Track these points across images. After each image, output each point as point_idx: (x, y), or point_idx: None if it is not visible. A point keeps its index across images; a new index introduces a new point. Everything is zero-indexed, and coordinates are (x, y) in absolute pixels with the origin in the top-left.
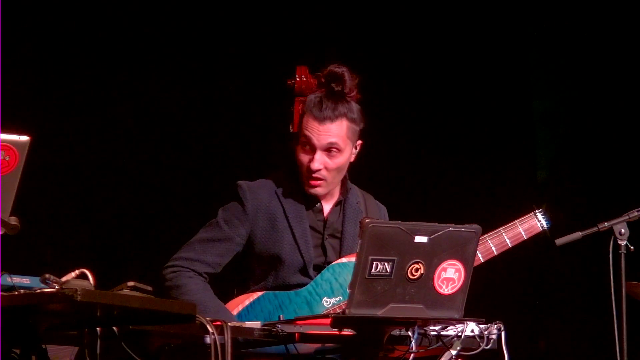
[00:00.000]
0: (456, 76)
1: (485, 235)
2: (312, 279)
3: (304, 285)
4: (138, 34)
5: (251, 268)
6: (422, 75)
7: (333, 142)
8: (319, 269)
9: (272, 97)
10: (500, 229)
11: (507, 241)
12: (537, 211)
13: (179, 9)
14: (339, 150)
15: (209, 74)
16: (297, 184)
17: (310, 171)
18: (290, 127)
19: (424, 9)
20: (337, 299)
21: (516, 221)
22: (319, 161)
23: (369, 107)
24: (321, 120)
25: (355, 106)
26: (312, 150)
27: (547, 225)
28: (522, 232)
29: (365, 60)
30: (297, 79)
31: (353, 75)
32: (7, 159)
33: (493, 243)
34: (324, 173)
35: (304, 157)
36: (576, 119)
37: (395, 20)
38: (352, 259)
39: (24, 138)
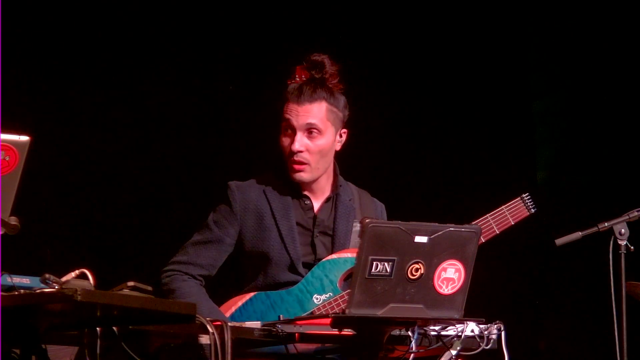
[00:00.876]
0: (456, 76)
1: (473, 223)
2: (302, 276)
3: (294, 283)
4: (138, 34)
5: (243, 268)
6: (422, 75)
7: (312, 123)
8: (309, 266)
9: (273, 98)
10: (488, 215)
11: (495, 228)
12: (524, 196)
13: (179, 9)
14: (319, 131)
15: (208, 75)
16: (286, 182)
17: (292, 153)
18: None
19: (424, 9)
20: (327, 295)
21: (503, 207)
22: (300, 142)
23: (370, 108)
24: (300, 102)
25: (338, 95)
26: (293, 132)
27: (534, 209)
28: (509, 218)
29: (365, 60)
30: (297, 79)
31: (333, 62)
32: (7, 159)
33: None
34: (306, 156)
35: (285, 141)
36: (576, 119)
37: (395, 20)
38: (343, 255)
39: (24, 138)
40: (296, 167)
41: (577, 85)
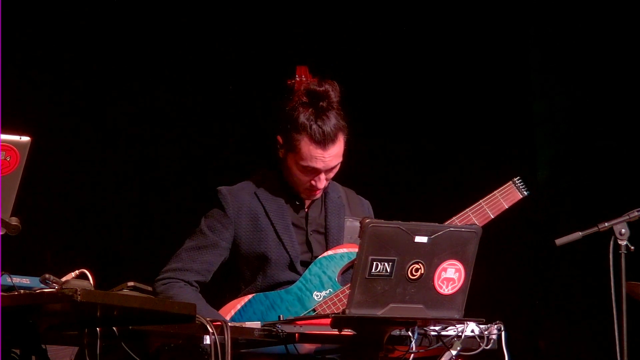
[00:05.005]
0: (457, 76)
1: (467, 210)
2: (300, 274)
3: (293, 281)
4: (138, 34)
5: (240, 271)
6: (422, 75)
7: (338, 163)
8: (307, 265)
9: (273, 97)
10: (481, 201)
11: (489, 213)
12: (515, 180)
13: (179, 9)
14: (339, 162)
15: (209, 75)
16: (277, 184)
17: (316, 188)
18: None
19: (425, 9)
20: (327, 291)
21: (496, 192)
22: (325, 179)
23: (370, 108)
24: (324, 145)
25: (337, 113)
26: (316, 172)
27: (527, 192)
28: (503, 202)
29: (365, 60)
30: (297, 79)
31: (332, 84)
32: (8, 159)
33: (475, 217)
34: (325, 183)
35: (305, 177)
36: (576, 119)
37: (396, 20)
38: (339, 250)
39: (25, 138)
40: (316, 193)
41: (577, 85)
